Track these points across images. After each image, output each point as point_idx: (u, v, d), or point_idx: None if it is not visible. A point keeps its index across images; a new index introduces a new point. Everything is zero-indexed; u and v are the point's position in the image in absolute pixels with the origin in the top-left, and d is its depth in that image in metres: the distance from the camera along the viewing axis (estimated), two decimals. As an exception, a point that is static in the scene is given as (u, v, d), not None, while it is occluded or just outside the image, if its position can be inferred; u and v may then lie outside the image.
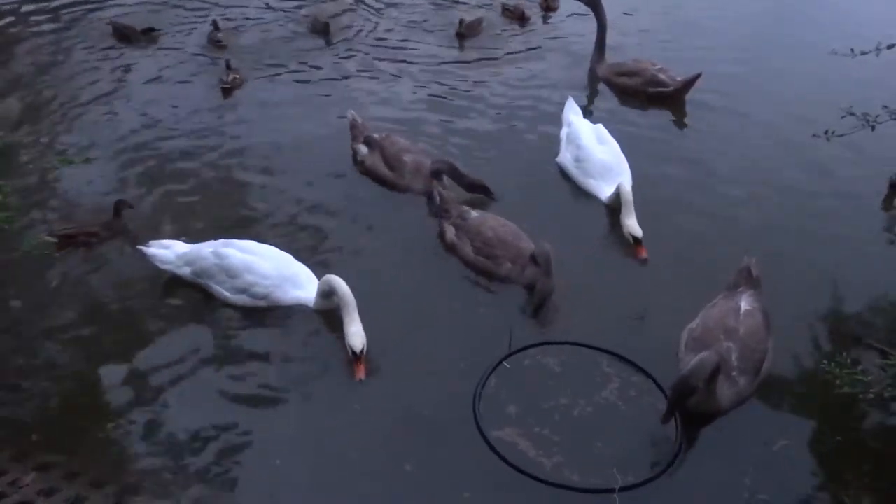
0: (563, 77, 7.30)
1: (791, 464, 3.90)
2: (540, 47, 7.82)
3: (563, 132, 6.12)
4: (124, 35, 7.77)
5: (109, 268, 5.06)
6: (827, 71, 7.05)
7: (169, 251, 4.88)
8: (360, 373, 4.23)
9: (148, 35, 7.80)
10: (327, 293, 4.52)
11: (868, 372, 3.77)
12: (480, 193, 5.64)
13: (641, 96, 6.93)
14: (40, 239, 4.67)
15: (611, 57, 7.27)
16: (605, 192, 5.60)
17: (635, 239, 5.10)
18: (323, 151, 6.17)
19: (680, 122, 6.72)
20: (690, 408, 4.01)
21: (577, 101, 6.36)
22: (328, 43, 7.71)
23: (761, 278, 4.50)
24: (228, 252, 4.71)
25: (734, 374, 4.07)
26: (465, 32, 7.68)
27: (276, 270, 4.68)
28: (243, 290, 4.65)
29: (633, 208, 5.20)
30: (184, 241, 5.00)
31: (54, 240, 5.10)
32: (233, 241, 4.84)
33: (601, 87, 7.23)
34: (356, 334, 4.29)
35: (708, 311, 4.35)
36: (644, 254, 5.06)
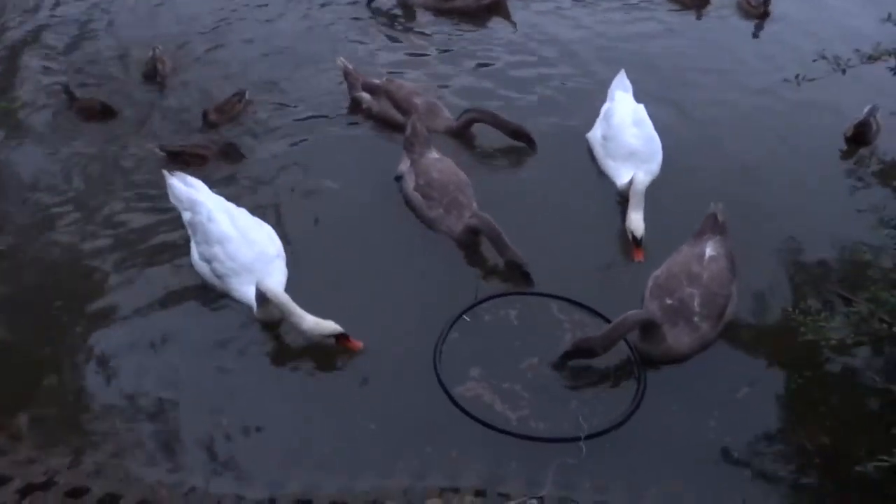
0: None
1: (755, 408, 3.94)
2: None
3: (604, 107, 5.57)
4: None
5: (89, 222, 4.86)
6: (800, 14, 6.97)
7: (186, 189, 4.56)
8: (356, 344, 4.01)
9: None
10: (264, 301, 4.11)
11: (831, 318, 3.76)
12: (524, 142, 5.47)
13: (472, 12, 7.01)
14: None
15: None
16: (622, 177, 5.06)
17: (634, 238, 4.63)
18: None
19: (646, 65, 6.53)
20: (647, 354, 4.05)
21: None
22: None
23: (727, 224, 4.46)
24: (218, 217, 4.37)
25: (696, 319, 4.09)
26: (215, 119, 5.66)
27: (246, 258, 4.28)
28: (209, 261, 4.36)
29: (641, 203, 4.73)
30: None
31: (163, 154, 5.19)
32: (238, 209, 4.51)
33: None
34: (320, 324, 3.98)
35: (673, 258, 4.35)
36: (640, 257, 4.61)
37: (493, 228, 4.54)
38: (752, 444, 3.79)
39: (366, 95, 5.85)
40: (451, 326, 4.17)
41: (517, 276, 4.53)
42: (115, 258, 4.63)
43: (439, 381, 3.91)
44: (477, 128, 5.63)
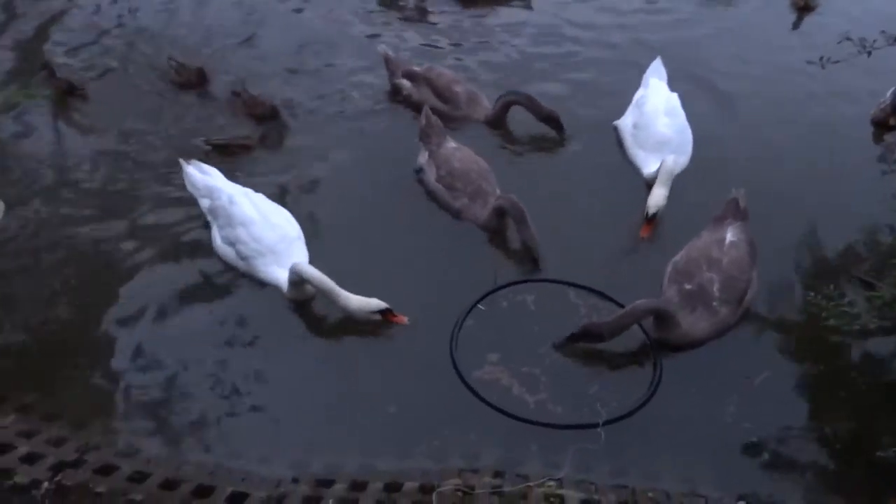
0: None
1: (774, 393, 3.92)
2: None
3: (637, 94, 5.50)
4: None
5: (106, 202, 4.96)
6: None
7: (202, 177, 4.70)
8: (401, 318, 4.13)
9: None
10: (297, 282, 4.23)
11: (854, 304, 3.73)
12: (553, 127, 5.48)
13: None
14: None
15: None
16: (650, 166, 4.98)
17: (649, 213, 4.61)
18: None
19: (676, 53, 6.45)
20: (664, 339, 4.04)
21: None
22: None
23: (748, 210, 4.42)
24: (240, 200, 4.48)
25: (715, 304, 4.07)
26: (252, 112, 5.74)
27: (270, 240, 4.38)
28: (232, 244, 4.45)
29: (669, 182, 4.69)
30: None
31: (208, 147, 5.33)
32: (257, 194, 4.62)
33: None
34: (368, 302, 4.09)
35: (693, 243, 4.33)
36: (646, 234, 4.62)
37: (519, 209, 4.57)
38: (771, 429, 3.78)
39: (406, 82, 5.85)
40: (468, 314, 4.20)
41: (528, 259, 4.55)
42: (143, 247, 4.69)
43: (455, 367, 3.94)
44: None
